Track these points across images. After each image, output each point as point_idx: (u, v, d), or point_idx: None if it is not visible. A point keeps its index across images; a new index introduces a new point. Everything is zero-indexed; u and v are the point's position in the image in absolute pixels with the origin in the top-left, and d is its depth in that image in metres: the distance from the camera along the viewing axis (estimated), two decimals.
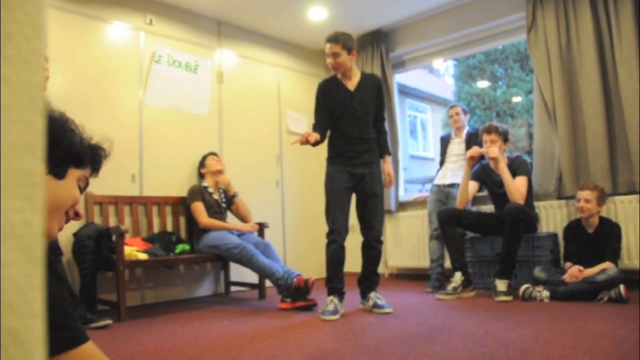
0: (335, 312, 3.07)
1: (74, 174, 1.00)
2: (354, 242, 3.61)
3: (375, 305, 3.22)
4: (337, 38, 3.22)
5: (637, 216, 3.67)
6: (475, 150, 3.77)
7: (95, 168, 1.07)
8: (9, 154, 0.31)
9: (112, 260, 3.33)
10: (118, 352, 2.40)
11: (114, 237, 3.35)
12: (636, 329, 2.35)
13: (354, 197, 3.37)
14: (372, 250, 3.34)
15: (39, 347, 0.34)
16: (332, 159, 3.34)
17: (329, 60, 3.27)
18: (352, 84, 3.34)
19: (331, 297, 3.16)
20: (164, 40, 4.38)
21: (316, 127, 3.33)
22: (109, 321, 3.01)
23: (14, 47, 0.32)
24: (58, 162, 0.94)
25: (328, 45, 3.23)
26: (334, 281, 3.22)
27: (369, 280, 3.35)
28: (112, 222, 3.82)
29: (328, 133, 3.39)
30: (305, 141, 3.12)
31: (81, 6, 3.85)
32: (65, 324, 1.25)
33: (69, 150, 0.96)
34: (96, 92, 3.89)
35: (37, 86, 0.33)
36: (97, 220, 3.74)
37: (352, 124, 3.30)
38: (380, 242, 3.37)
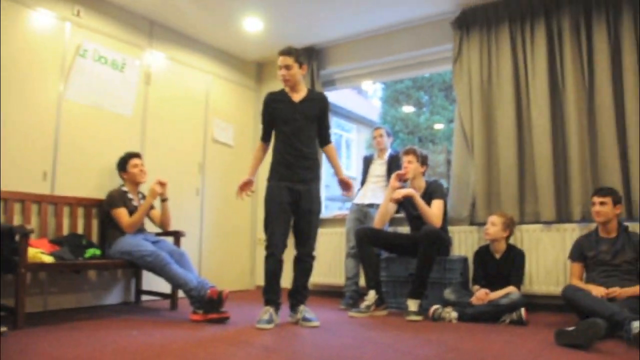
0: (270, 321, 3.17)
1: None
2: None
3: (304, 319, 3.30)
4: (291, 51, 3.37)
5: (540, 244, 3.93)
6: (398, 176, 3.88)
7: None
8: None
9: (13, 262, 3.11)
10: None
11: (17, 237, 3.14)
12: (534, 349, 2.49)
13: None
14: (303, 263, 3.46)
15: None
16: (272, 172, 3.43)
17: (281, 72, 3.37)
18: (297, 97, 3.44)
19: (267, 307, 3.26)
20: (91, 34, 4.20)
21: (263, 138, 3.56)
22: (4, 328, 2.80)
23: None
24: None
25: (281, 57, 3.37)
26: (270, 292, 3.32)
27: (299, 293, 3.43)
28: (17, 220, 3.58)
29: (271, 146, 3.53)
30: (241, 190, 3.48)
31: None
32: None
33: None
34: (11, 81, 3.64)
35: None
36: (1, 218, 3.49)
37: (293, 136, 3.37)
38: (311, 257, 3.49)
